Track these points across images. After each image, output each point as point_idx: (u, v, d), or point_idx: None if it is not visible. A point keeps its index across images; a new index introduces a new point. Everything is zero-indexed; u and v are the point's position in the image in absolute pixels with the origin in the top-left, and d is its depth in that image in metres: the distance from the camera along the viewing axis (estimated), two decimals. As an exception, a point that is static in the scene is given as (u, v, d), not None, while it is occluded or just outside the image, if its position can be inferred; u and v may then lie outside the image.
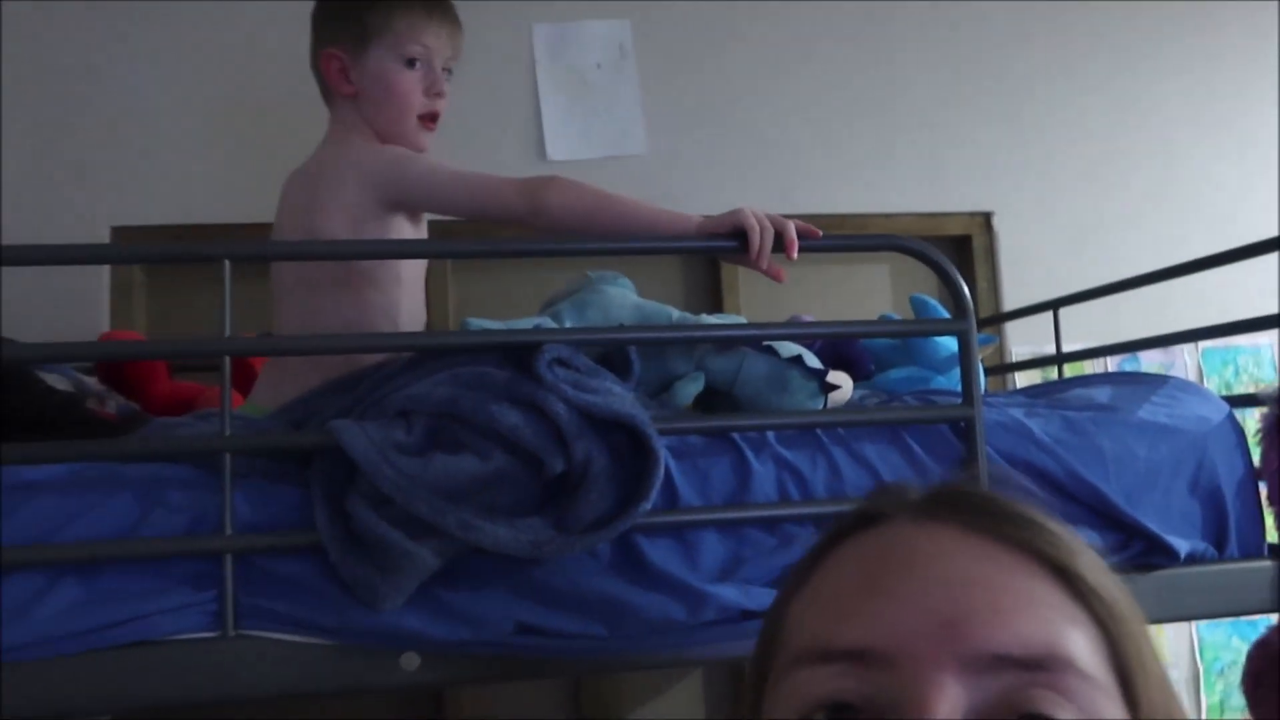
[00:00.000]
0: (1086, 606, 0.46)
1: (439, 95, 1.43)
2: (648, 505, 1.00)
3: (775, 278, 1.23)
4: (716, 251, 1.34)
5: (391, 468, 0.97)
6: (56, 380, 1.26)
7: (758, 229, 1.19)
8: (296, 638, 1.01)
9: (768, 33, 2.30)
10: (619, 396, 1.04)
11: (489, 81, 2.17)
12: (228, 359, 1.05)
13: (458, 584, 1.01)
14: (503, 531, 0.96)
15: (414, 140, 1.43)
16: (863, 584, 0.48)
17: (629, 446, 1.03)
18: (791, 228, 1.21)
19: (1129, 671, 0.46)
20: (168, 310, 2.06)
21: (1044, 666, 0.43)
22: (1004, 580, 0.46)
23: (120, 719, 1.80)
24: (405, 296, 1.36)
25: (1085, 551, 0.49)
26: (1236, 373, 2.52)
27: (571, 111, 2.20)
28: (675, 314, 1.32)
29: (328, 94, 1.45)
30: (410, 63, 1.41)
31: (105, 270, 1.98)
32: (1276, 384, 1.27)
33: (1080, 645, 0.45)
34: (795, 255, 1.21)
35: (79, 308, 1.95)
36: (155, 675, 0.98)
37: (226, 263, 1.05)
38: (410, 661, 1.02)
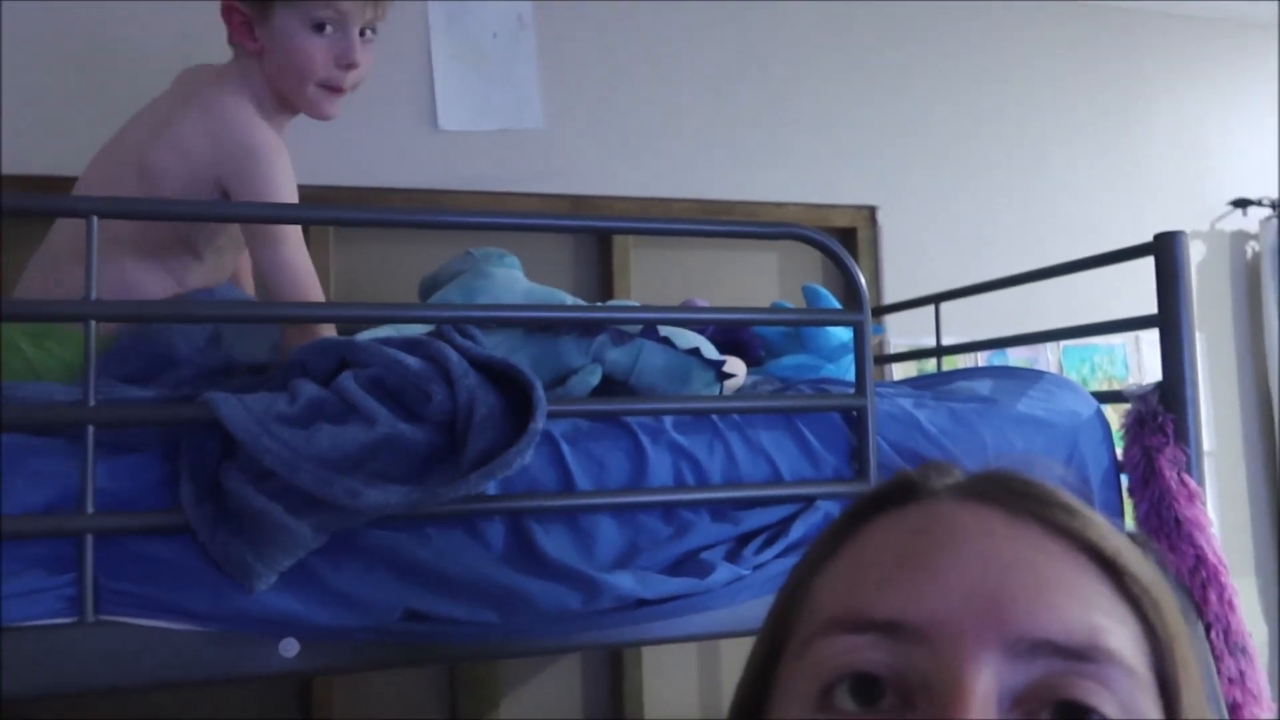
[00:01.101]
0: (1131, 601, 0.46)
1: (350, 66, 1.35)
2: (528, 451, 0.96)
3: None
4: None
5: (274, 440, 0.91)
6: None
7: None
8: (165, 624, 0.95)
9: (668, 16, 2.29)
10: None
11: (381, 47, 2.07)
12: (93, 323, 0.97)
13: (343, 567, 0.96)
14: (393, 493, 0.92)
15: (315, 108, 1.37)
16: (900, 557, 0.46)
17: (516, 404, 1.01)
18: None
19: (1170, 672, 0.46)
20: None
21: (1086, 656, 0.43)
22: (1049, 566, 0.45)
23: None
24: (204, 274, 1.35)
25: (1131, 547, 0.48)
26: (1093, 369, 2.66)
27: (467, 82, 2.13)
28: (569, 300, 1.29)
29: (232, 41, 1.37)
30: (319, 27, 1.32)
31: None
32: (1141, 382, 1.34)
33: (1123, 639, 0.44)
34: None
35: None
36: (9, 663, 0.91)
37: (93, 219, 0.98)
38: (289, 648, 0.97)
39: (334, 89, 1.37)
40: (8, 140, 1.77)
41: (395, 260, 2.07)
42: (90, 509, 0.93)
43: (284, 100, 1.39)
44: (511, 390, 1.01)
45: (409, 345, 0.98)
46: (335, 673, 1.76)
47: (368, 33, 1.39)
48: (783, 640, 0.49)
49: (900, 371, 2.31)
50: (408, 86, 2.10)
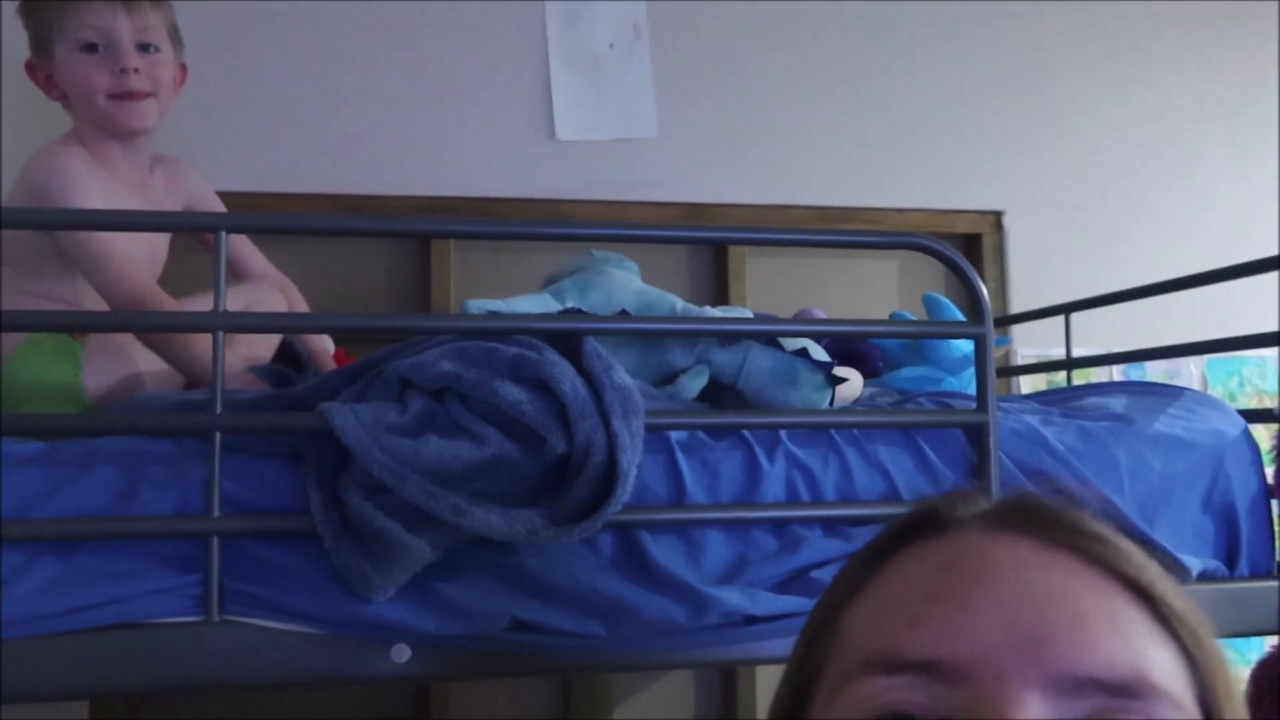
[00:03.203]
0: (1170, 631, 0.45)
1: (125, 71, 1.40)
2: (619, 501, 0.95)
3: None
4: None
5: (383, 450, 0.93)
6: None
7: None
8: (283, 625, 0.97)
9: (784, 21, 2.26)
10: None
11: (499, 59, 2.13)
12: (221, 334, 1.01)
13: (451, 576, 0.97)
14: (495, 518, 0.92)
15: (116, 121, 1.41)
16: (933, 592, 0.45)
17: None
18: None
19: (1214, 703, 0.44)
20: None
21: (1132, 693, 0.41)
22: (1087, 598, 0.44)
23: (100, 702, 1.78)
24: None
25: (1165, 576, 0.47)
26: (1241, 384, 2.50)
27: (583, 92, 2.15)
28: (679, 304, 1.28)
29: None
30: (90, 48, 1.40)
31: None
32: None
33: (1168, 671, 0.43)
34: None
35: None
36: (134, 659, 0.95)
37: (223, 234, 1.01)
38: (400, 653, 0.98)
39: (123, 96, 1.41)
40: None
41: (515, 269, 2.10)
42: (216, 512, 0.97)
43: (96, 128, 1.44)
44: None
45: (516, 365, 0.98)
46: (444, 679, 1.79)
47: (151, 49, 1.44)
48: (811, 679, 0.48)
49: (1028, 385, 2.21)
50: (525, 98, 2.13)
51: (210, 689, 0.97)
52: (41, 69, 1.45)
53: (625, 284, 1.26)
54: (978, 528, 0.48)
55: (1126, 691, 0.41)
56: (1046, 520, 0.47)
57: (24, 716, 1.52)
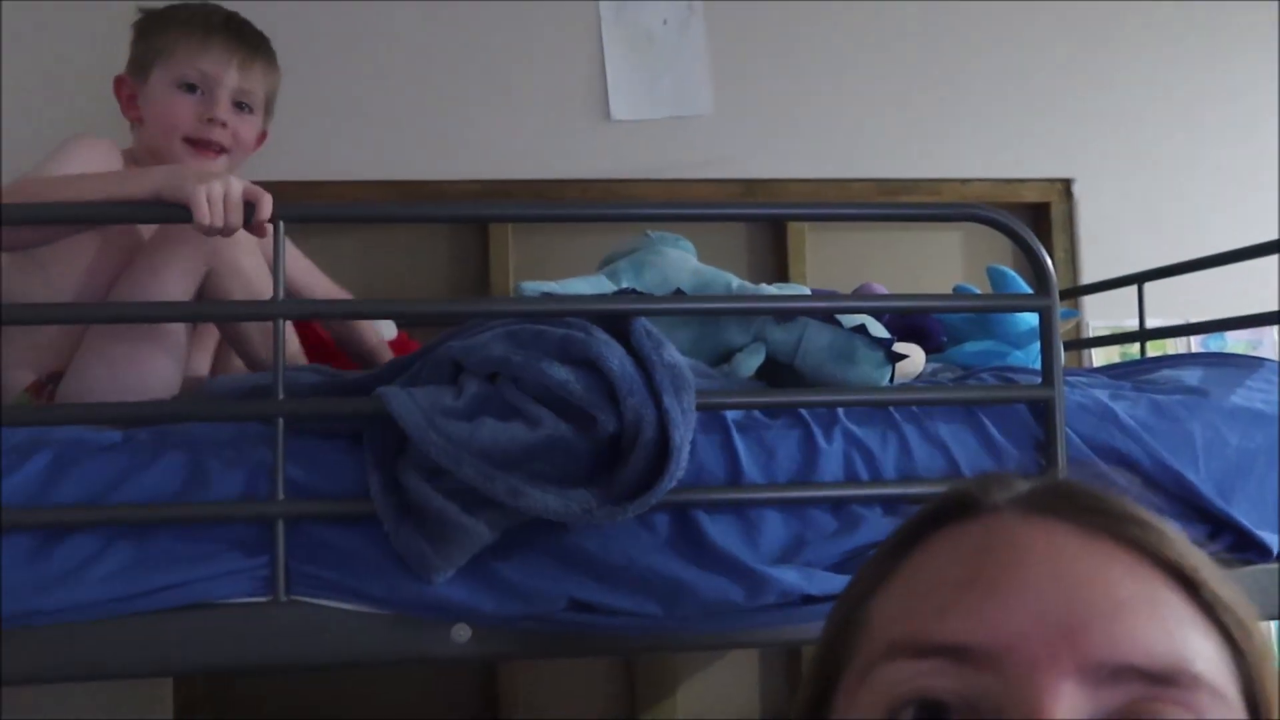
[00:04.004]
0: (1212, 618, 0.43)
1: (213, 121, 1.37)
2: (673, 478, 0.94)
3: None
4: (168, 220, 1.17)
5: (439, 434, 0.94)
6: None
7: (207, 212, 1.04)
8: (348, 605, 1.00)
9: (840, -11, 2.21)
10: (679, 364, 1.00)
11: (554, 37, 2.12)
12: (282, 321, 1.03)
13: (510, 557, 0.98)
14: (551, 499, 0.93)
15: (181, 165, 1.34)
16: (965, 577, 0.44)
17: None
18: (266, 206, 1.05)
19: (1260, 696, 0.42)
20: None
21: (1172, 680, 0.40)
22: (1125, 584, 0.43)
23: (177, 681, 1.84)
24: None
25: (1211, 563, 0.45)
26: (1327, 353, 2.39)
27: (637, 69, 2.14)
28: (735, 282, 1.27)
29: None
30: (188, 88, 1.38)
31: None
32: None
33: (1210, 661, 0.41)
34: (264, 236, 1.10)
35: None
36: (206, 639, 0.98)
37: (280, 223, 1.03)
38: (461, 633, 1.00)
39: (200, 145, 1.38)
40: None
41: (573, 250, 2.10)
42: (281, 495, 0.99)
43: (161, 161, 1.37)
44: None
45: (564, 345, 0.98)
46: (504, 658, 1.82)
47: (246, 109, 1.42)
48: (839, 665, 0.47)
49: (1100, 358, 2.15)
50: (580, 79, 2.13)
51: (278, 668, 1.00)
52: (128, 89, 1.44)
53: (681, 264, 1.25)
54: (1012, 512, 0.47)
55: (1166, 680, 0.40)
56: (1083, 504, 0.46)
57: (110, 718, 1.58)
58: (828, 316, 1.16)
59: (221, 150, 1.39)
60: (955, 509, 0.48)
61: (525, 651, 1.01)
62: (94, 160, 1.31)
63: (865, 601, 0.48)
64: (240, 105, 1.42)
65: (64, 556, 0.95)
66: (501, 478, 0.92)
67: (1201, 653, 0.41)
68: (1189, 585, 0.43)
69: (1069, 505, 0.46)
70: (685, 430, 0.94)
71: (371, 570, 0.99)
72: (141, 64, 1.41)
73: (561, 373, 0.95)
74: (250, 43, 1.43)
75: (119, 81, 1.44)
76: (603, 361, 0.95)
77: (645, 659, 2.01)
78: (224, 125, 1.38)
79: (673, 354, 0.98)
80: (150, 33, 1.42)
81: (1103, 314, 2.19)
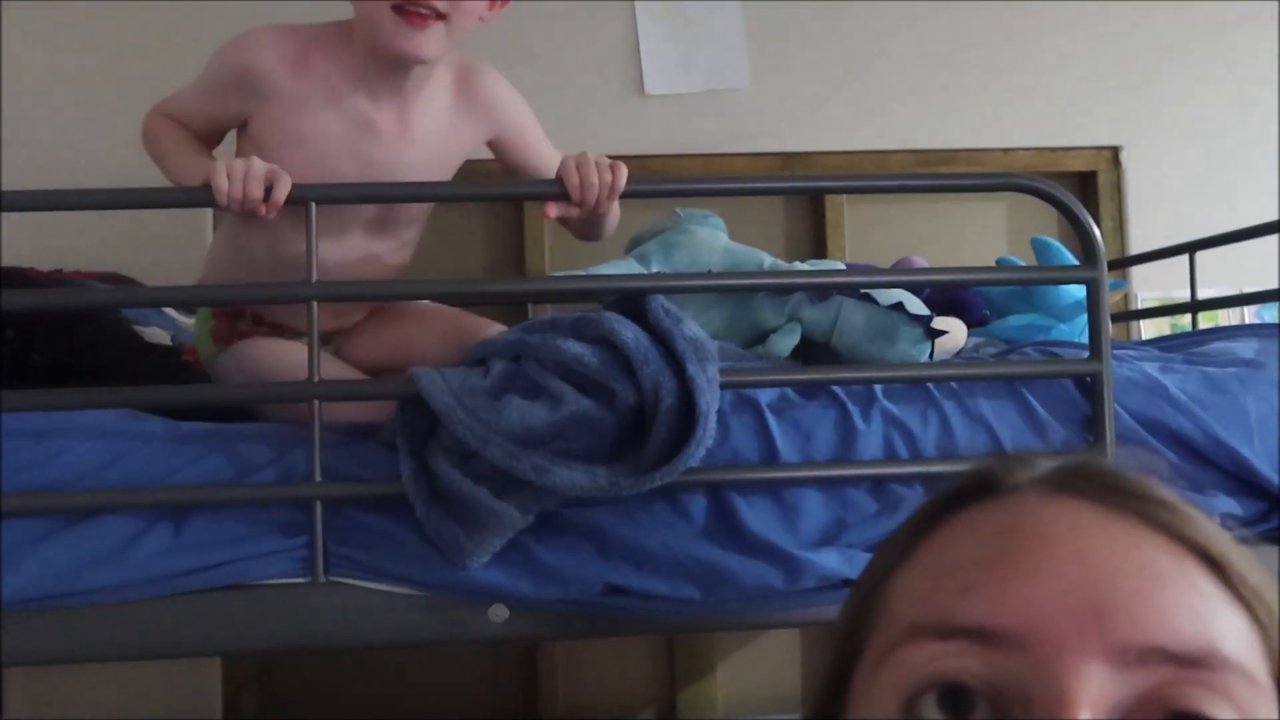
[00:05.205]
0: (1242, 602, 0.42)
1: None
2: (700, 444, 0.94)
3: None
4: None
5: (467, 413, 0.94)
6: (154, 333, 1.27)
7: (225, 183, 1.00)
8: (386, 587, 1.00)
9: (878, -46, 2.16)
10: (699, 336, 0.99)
11: (587, 13, 2.10)
12: (315, 304, 1.03)
13: (547, 541, 0.98)
14: (578, 474, 0.93)
15: (394, 41, 1.10)
16: (989, 556, 0.43)
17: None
18: (284, 186, 1.01)
19: None
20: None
21: (1201, 663, 0.39)
22: (1153, 565, 0.41)
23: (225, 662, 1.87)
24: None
25: (1238, 546, 0.44)
26: (1388, 322, 2.32)
27: (671, 43, 2.11)
28: (767, 260, 1.25)
29: None
30: None
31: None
32: None
33: (1240, 643, 0.40)
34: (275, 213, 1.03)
35: (184, 244, 1.96)
36: (247, 620, 0.99)
37: (312, 205, 1.03)
38: (499, 614, 1.00)
39: (408, 15, 1.08)
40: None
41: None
42: (318, 478, 0.99)
43: (370, 43, 1.13)
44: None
45: (578, 326, 0.97)
46: (542, 639, 1.82)
47: None
48: (857, 647, 0.46)
49: (1150, 330, 2.10)
50: (614, 53, 2.10)
51: (318, 648, 1.01)
52: None
53: (711, 243, 1.23)
54: (1035, 492, 0.45)
55: (1195, 662, 0.39)
56: (1108, 485, 0.44)
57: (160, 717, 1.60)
58: (864, 294, 1.14)
59: (438, 16, 1.10)
60: (977, 489, 0.47)
61: (562, 632, 1.02)
62: (226, 69, 1.16)
63: (884, 582, 0.47)
64: None
65: (106, 537, 0.97)
66: (528, 456, 0.92)
67: (1231, 635, 0.40)
68: (1216, 567, 0.42)
69: (1093, 485, 0.45)
70: (711, 396, 0.94)
71: (409, 553, 0.99)
72: None
73: (576, 348, 0.95)
74: None
75: None
76: (616, 336, 0.95)
77: (685, 636, 2.01)
78: None
79: (693, 328, 0.97)
80: None
81: (1152, 284, 2.13)
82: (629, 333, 0.95)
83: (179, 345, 1.37)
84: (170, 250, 1.89)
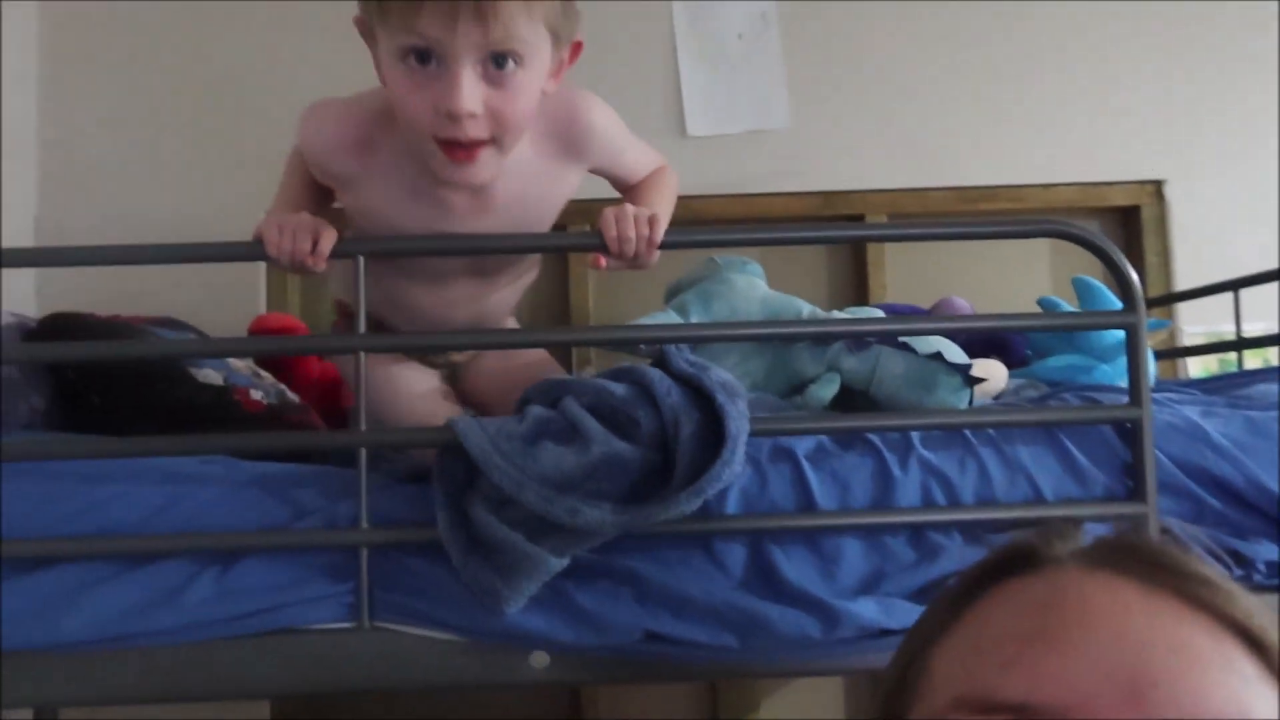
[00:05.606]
0: None
1: (456, 119, 0.98)
2: (731, 463, 0.95)
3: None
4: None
5: (503, 458, 0.96)
6: (207, 374, 1.31)
7: (276, 238, 1.04)
8: (429, 632, 1.02)
9: (916, -3, 2.18)
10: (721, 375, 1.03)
11: (628, 55, 2.14)
12: (363, 355, 1.06)
13: (586, 588, 0.99)
14: (607, 513, 0.95)
15: (440, 169, 1.04)
16: (1029, 632, 0.43)
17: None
18: (328, 239, 1.04)
19: None
20: (324, 292, 2.11)
21: None
22: (1191, 644, 0.42)
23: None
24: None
25: (1275, 620, 0.44)
26: None
27: (712, 84, 2.14)
28: (806, 309, 1.26)
29: None
30: (420, 56, 0.97)
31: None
32: None
33: None
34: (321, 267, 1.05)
35: (237, 289, 2.02)
36: (294, 664, 1.01)
37: (361, 258, 1.06)
38: (540, 660, 1.01)
39: (448, 145, 1.01)
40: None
41: (653, 270, 2.10)
42: (365, 524, 1.02)
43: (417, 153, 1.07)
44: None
45: (617, 374, 1.00)
46: (584, 684, 1.82)
47: (510, 64, 0.99)
48: (901, 711, 0.47)
49: (1196, 367, 2.07)
50: (655, 94, 2.13)
51: (363, 692, 1.03)
52: (375, 54, 1.06)
53: (749, 292, 1.25)
54: (1076, 567, 0.46)
55: None
56: (1148, 560, 0.45)
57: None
58: (901, 344, 1.15)
59: (481, 145, 1.02)
60: (1016, 561, 0.48)
61: (603, 677, 1.03)
62: (300, 148, 1.14)
63: (925, 653, 0.48)
64: (500, 60, 0.98)
65: (160, 581, 1.00)
66: (561, 499, 0.94)
67: (1269, 715, 0.40)
68: (1256, 646, 0.42)
69: (1133, 561, 0.45)
70: (740, 424, 0.96)
71: (452, 598, 1.01)
72: (367, 18, 1.03)
73: (611, 384, 0.99)
74: None
75: (359, 23, 1.06)
76: (643, 376, 0.99)
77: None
78: (473, 116, 0.99)
79: (720, 373, 1.01)
80: None
81: (1199, 319, 2.11)
82: (656, 373, 1.00)
83: (230, 386, 1.41)
84: (224, 294, 1.94)
